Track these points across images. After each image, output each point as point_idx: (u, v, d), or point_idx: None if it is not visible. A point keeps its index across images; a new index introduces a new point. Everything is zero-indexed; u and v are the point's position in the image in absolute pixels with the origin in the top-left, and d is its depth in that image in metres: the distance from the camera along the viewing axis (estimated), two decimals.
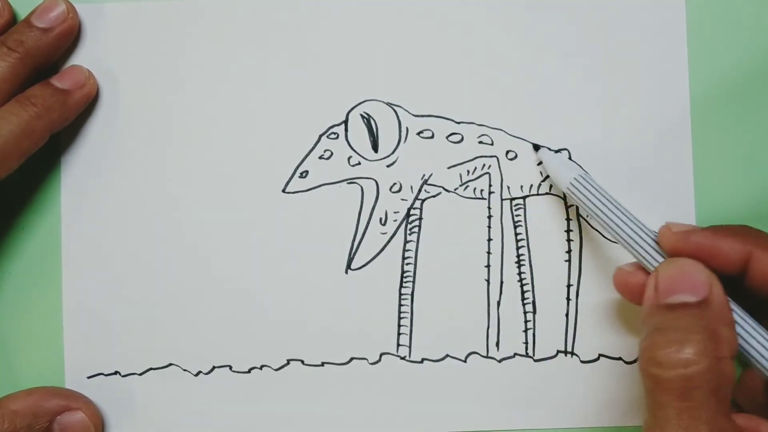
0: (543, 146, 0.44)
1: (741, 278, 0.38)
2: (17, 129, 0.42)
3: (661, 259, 0.39)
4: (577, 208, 0.44)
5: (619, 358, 0.44)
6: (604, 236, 0.44)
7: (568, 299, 0.44)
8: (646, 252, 0.39)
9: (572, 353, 0.44)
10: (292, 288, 0.44)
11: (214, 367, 0.45)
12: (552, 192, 0.45)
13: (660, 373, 0.34)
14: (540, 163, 0.44)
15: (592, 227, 0.44)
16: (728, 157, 0.44)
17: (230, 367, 0.44)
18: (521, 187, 0.45)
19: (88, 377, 0.45)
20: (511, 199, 0.45)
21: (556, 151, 0.44)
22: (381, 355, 0.44)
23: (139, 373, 0.45)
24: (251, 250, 0.45)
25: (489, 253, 0.44)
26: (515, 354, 0.44)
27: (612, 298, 0.44)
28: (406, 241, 0.45)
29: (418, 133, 0.45)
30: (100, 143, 0.45)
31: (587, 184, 0.41)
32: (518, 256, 0.44)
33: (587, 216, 0.44)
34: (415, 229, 0.45)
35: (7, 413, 0.41)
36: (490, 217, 0.45)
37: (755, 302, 0.39)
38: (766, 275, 0.37)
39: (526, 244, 0.44)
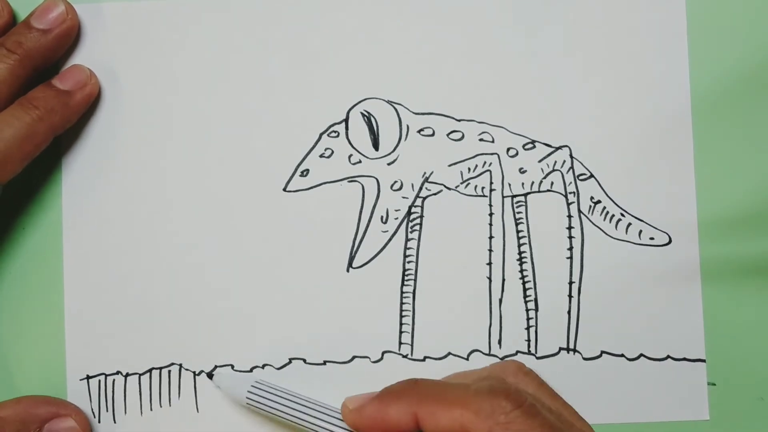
0: (213, 372, 0.44)
1: None
2: (20, 132, 0.42)
3: None
4: (579, 205, 0.44)
5: (622, 355, 0.44)
6: (606, 233, 0.44)
7: (570, 296, 0.44)
8: (335, 428, 0.40)
9: (574, 350, 0.44)
10: (293, 287, 0.44)
11: (216, 367, 0.45)
12: (553, 189, 0.45)
13: None
14: (541, 160, 0.44)
15: (594, 224, 0.44)
16: (729, 155, 0.44)
17: (232, 366, 0.44)
18: (522, 184, 0.45)
19: (90, 377, 0.45)
20: (513, 197, 0.45)
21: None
22: (383, 353, 0.44)
23: (141, 372, 0.45)
24: (252, 249, 0.45)
25: (490, 250, 0.44)
26: (517, 351, 0.44)
27: (614, 295, 0.44)
28: (407, 239, 0.45)
29: (419, 131, 0.45)
30: (100, 143, 0.45)
31: (264, 390, 0.42)
32: (520, 253, 0.44)
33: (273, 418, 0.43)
34: (417, 227, 0.45)
35: None
36: (491, 214, 0.45)
37: None
38: (436, 429, 0.37)
39: (527, 242, 0.44)
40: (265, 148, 0.45)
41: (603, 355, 0.44)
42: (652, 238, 0.44)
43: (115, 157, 0.45)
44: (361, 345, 0.44)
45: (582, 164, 0.45)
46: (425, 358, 0.44)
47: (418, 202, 0.45)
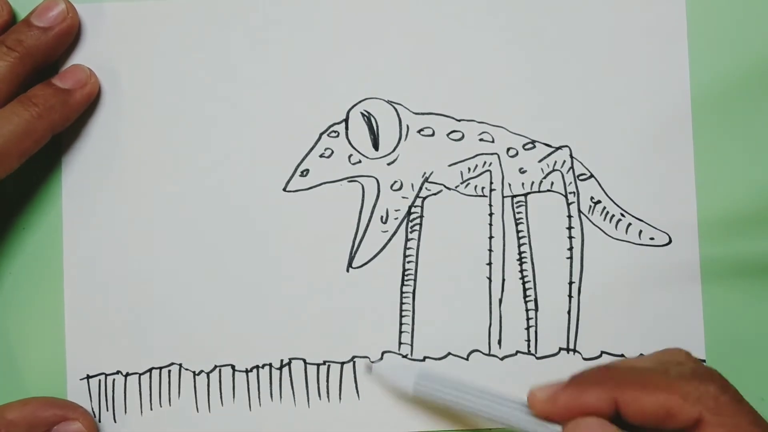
0: (374, 361, 0.44)
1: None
2: (18, 129, 0.42)
3: (545, 428, 0.39)
4: (579, 205, 0.44)
5: (622, 355, 0.44)
6: (606, 233, 0.44)
7: (570, 296, 0.44)
8: (520, 421, 0.39)
9: (574, 350, 0.44)
10: (293, 287, 0.44)
11: (216, 366, 0.44)
12: (553, 189, 0.45)
13: None
14: (541, 160, 0.44)
15: (594, 224, 0.44)
16: (729, 155, 0.44)
17: (232, 366, 0.44)
18: (522, 184, 0.45)
19: (90, 376, 0.45)
20: (513, 197, 0.45)
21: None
22: (383, 353, 0.44)
23: (141, 372, 0.45)
24: (252, 249, 0.45)
25: (490, 250, 0.44)
26: (517, 351, 0.44)
27: (614, 295, 0.44)
28: (407, 239, 0.45)
29: (419, 131, 0.45)
30: (100, 143, 0.45)
31: (431, 379, 0.41)
32: (520, 253, 0.44)
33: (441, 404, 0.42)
34: (416, 227, 0.45)
35: (3, 423, 0.41)
36: (491, 214, 0.45)
37: None
38: (639, 414, 0.37)
39: (527, 242, 0.44)
40: (265, 148, 0.45)
41: (603, 355, 0.44)
42: (652, 238, 0.44)
43: (115, 156, 0.45)
44: (361, 345, 0.44)
45: (582, 164, 0.45)
46: (425, 358, 0.44)
47: (418, 202, 0.45)
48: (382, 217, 0.45)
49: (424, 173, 0.45)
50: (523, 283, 0.44)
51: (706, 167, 0.44)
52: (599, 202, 0.44)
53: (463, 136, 0.45)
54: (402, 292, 0.44)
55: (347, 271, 0.45)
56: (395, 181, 0.45)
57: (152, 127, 0.45)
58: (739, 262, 0.44)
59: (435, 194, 0.45)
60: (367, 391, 0.44)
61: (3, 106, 0.42)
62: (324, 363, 0.44)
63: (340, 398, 0.44)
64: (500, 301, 0.44)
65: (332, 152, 0.45)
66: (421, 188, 0.45)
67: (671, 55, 0.45)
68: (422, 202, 0.45)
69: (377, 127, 0.45)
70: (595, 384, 0.38)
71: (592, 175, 0.45)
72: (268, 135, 0.45)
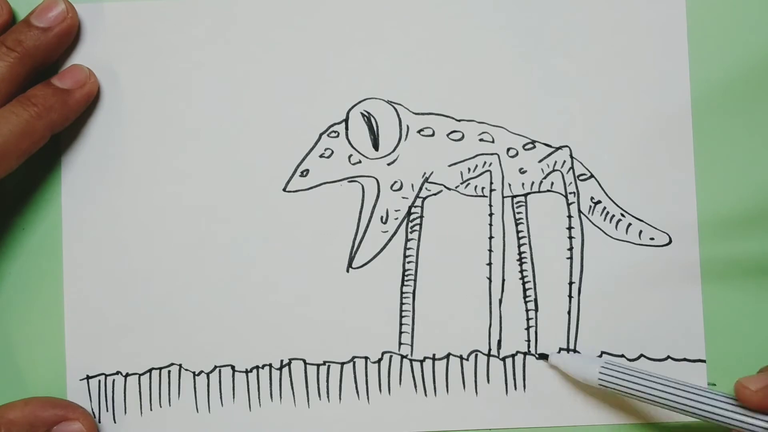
0: (551, 353, 0.44)
1: None
2: (17, 128, 0.42)
3: (759, 420, 0.38)
4: (579, 205, 0.44)
5: (622, 355, 0.44)
6: (606, 233, 0.44)
7: (570, 296, 0.44)
8: (726, 412, 0.39)
9: (574, 350, 0.44)
10: (293, 287, 0.44)
11: (215, 367, 0.44)
12: (553, 189, 0.45)
13: None
14: (541, 160, 0.44)
15: (594, 224, 0.44)
16: (729, 154, 0.44)
17: (232, 367, 0.44)
18: (522, 184, 0.45)
19: (90, 377, 0.45)
20: (513, 197, 0.45)
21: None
22: (383, 353, 0.44)
23: (141, 372, 0.45)
24: (252, 250, 0.45)
25: (490, 250, 0.44)
26: (517, 352, 0.44)
27: (614, 295, 0.44)
28: (407, 240, 0.45)
29: (419, 131, 0.45)
30: (100, 143, 0.45)
31: (615, 369, 0.41)
32: (520, 253, 0.44)
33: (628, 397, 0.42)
34: (416, 228, 0.45)
35: (3, 422, 0.41)
36: (491, 214, 0.44)
37: None
38: None
39: (527, 242, 0.44)
40: (265, 148, 0.45)
41: (603, 355, 0.44)
42: (652, 239, 0.44)
43: (114, 156, 0.45)
44: (361, 345, 0.44)
45: (582, 164, 0.45)
46: (425, 358, 0.44)
47: (418, 202, 0.45)
48: (382, 217, 0.45)
49: (424, 173, 0.45)
50: (523, 283, 0.44)
51: (706, 167, 0.44)
52: (599, 202, 0.44)
53: (463, 136, 0.45)
54: (402, 292, 0.44)
55: (347, 271, 0.45)
56: (395, 181, 0.45)
57: (152, 127, 0.45)
58: (739, 262, 0.44)
59: (435, 194, 0.45)
60: (367, 391, 0.44)
61: (2, 106, 0.42)
62: (324, 363, 0.44)
63: (340, 398, 0.44)
64: (500, 301, 0.44)
65: (332, 152, 0.45)
66: (421, 188, 0.45)
67: (671, 55, 0.45)
68: (422, 203, 0.45)
69: (377, 127, 0.45)
70: None
71: (592, 175, 0.45)
72: (268, 135, 0.45)
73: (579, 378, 0.42)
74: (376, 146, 0.45)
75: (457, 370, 0.44)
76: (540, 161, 0.45)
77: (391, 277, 0.44)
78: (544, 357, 0.44)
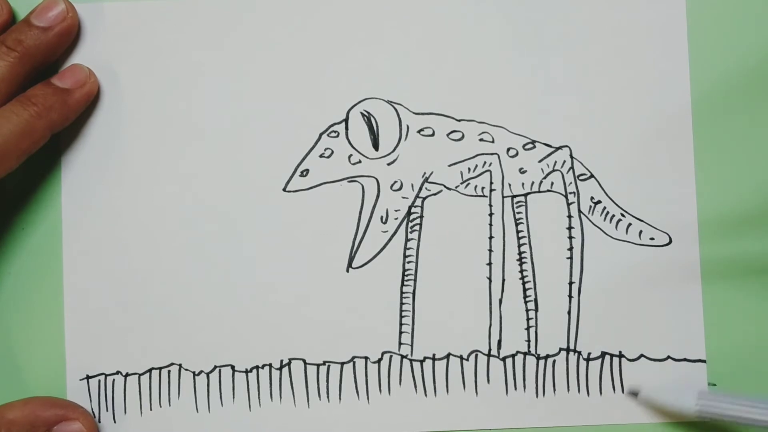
0: (637, 390, 0.43)
1: None
2: (17, 128, 0.42)
3: None
4: (579, 205, 0.44)
5: (622, 355, 0.44)
6: (606, 233, 0.44)
7: (570, 296, 0.44)
8: None
9: (575, 350, 0.44)
10: (293, 287, 0.44)
11: (215, 367, 0.44)
12: (553, 189, 0.45)
13: None
14: (541, 160, 0.44)
15: (594, 224, 0.44)
16: (729, 155, 0.44)
17: (232, 367, 0.44)
18: (522, 184, 0.45)
19: (90, 377, 0.45)
20: (513, 197, 0.45)
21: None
22: (383, 353, 0.44)
23: (140, 372, 0.45)
24: (252, 249, 0.45)
25: (490, 250, 0.44)
26: (517, 352, 0.44)
27: (614, 295, 0.44)
28: (407, 240, 0.45)
29: (419, 131, 0.45)
30: (100, 142, 0.45)
31: (714, 396, 0.41)
32: (520, 253, 0.44)
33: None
34: (416, 227, 0.45)
35: (3, 422, 0.41)
36: (491, 214, 0.44)
37: None
38: None
39: (527, 242, 0.44)
40: (265, 148, 0.45)
41: (603, 355, 0.44)
42: (652, 239, 0.44)
43: (114, 156, 0.45)
44: (361, 345, 0.44)
45: (582, 164, 0.45)
46: (425, 358, 0.44)
47: (418, 202, 0.45)
48: (382, 217, 0.45)
49: (424, 173, 0.45)
50: (523, 283, 0.44)
51: (706, 167, 0.44)
52: (599, 202, 0.44)
53: (463, 136, 0.45)
54: (402, 292, 0.44)
55: (347, 271, 0.45)
56: (395, 181, 0.45)
57: (152, 126, 0.45)
58: (739, 262, 0.44)
59: (435, 194, 0.45)
60: (366, 391, 0.44)
61: (2, 106, 0.42)
62: (324, 363, 0.44)
63: (339, 398, 0.44)
64: (500, 301, 0.44)
65: (332, 152, 0.45)
66: (421, 188, 0.45)
67: (671, 55, 0.45)
68: (422, 202, 0.45)
69: (377, 127, 0.45)
70: None
71: (592, 175, 0.45)
72: (268, 135, 0.45)
73: (674, 411, 0.42)
74: (376, 146, 0.45)
75: (457, 370, 0.44)
76: (540, 161, 0.45)
77: (391, 277, 0.44)
78: (633, 394, 0.43)
